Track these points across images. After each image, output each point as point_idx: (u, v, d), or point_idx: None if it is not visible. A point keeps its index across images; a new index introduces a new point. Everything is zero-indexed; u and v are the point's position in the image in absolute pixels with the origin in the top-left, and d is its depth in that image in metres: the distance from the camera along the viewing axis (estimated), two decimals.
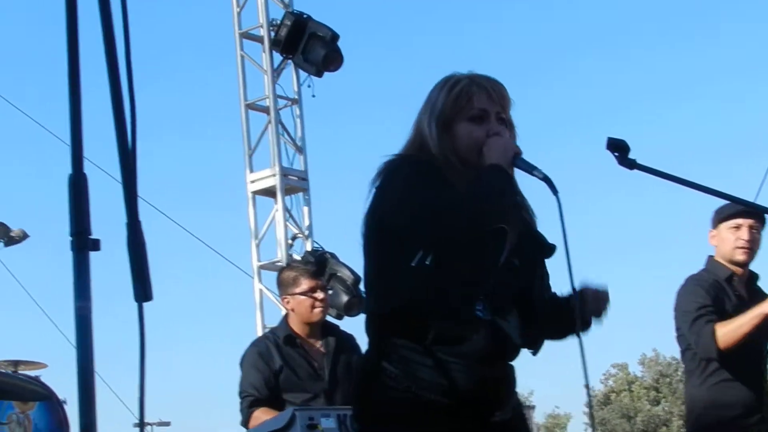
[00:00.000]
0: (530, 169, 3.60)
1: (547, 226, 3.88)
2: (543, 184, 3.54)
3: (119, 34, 2.06)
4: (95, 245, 1.93)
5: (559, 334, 4.07)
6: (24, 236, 9.09)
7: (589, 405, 37.15)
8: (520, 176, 3.64)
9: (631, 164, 3.91)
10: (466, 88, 3.65)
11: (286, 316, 6.52)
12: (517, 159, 3.61)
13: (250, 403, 6.16)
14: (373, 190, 3.85)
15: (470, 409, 3.77)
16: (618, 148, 3.87)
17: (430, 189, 3.64)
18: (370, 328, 3.92)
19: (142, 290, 1.96)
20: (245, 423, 6.16)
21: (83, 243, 1.92)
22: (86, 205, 1.94)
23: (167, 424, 23.16)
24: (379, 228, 3.86)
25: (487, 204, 3.65)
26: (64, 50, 2.02)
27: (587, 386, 4.06)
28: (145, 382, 2.07)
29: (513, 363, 3.98)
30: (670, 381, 48.06)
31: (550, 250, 3.91)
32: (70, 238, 1.93)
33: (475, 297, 3.80)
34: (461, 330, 3.76)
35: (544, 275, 4.07)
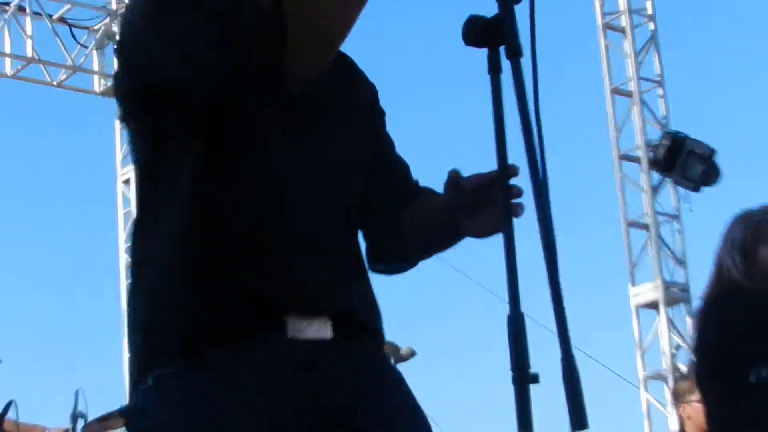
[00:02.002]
0: None
1: None
2: None
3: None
4: (535, 379, 1.91)
5: None
6: (412, 354, 9.16)
7: None
8: None
9: None
10: None
11: (682, 425, 6.39)
12: None
13: None
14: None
15: None
16: None
17: None
18: None
19: (578, 419, 1.85)
20: None
21: (524, 377, 1.91)
22: (524, 342, 1.93)
23: None
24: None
25: None
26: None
27: None
28: None
29: None
30: None
31: None
32: (511, 373, 1.90)
33: None
34: None
35: None
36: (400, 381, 2.36)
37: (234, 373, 2.11)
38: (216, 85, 2.09)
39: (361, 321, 2.30)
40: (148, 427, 2.16)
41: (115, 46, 2.37)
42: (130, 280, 2.35)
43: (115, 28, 13.76)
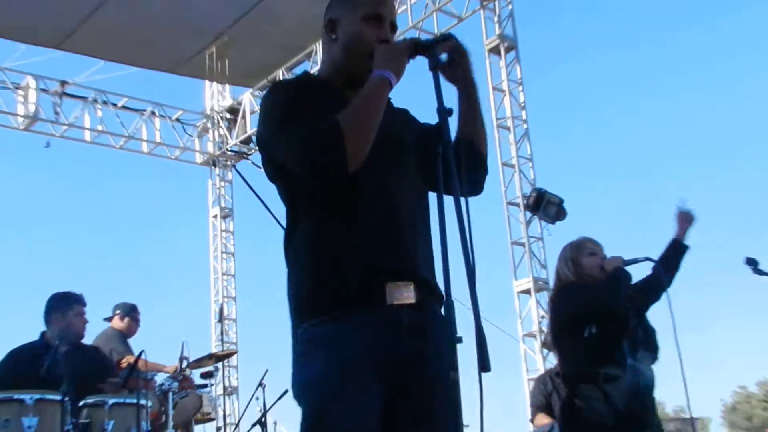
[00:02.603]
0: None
1: None
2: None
3: None
4: (460, 340, 1.89)
5: None
6: None
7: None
8: None
9: (761, 272, 3.76)
10: None
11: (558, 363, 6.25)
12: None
13: (535, 410, 6.05)
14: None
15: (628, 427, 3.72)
16: (752, 262, 3.74)
17: None
18: None
19: (484, 364, 1.82)
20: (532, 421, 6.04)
21: (455, 340, 1.90)
22: (453, 319, 1.90)
23: None
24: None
25: None
26: None
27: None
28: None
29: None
30: None
31: None
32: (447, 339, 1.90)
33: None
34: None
35: None
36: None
37: (354, 321, 2.10)
38: (319, 177, 2.11)
39: (432, 287, 2.22)
40: (302, 356, 2.14)
41: (257, 142, 2.42)
42: (287, 270, 2.29)
43: (209, 125, 13.83)
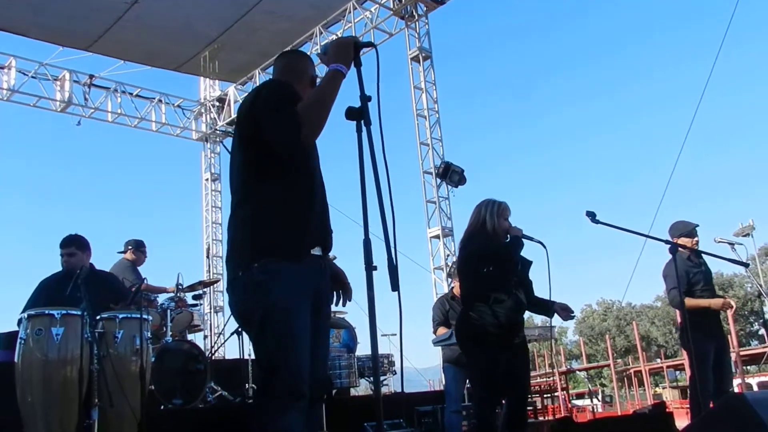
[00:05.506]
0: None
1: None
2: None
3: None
4: (375, 268, 1.87)
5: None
6: (335, 258, 8.57)
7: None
8: None
9: (597, 221, 3.69)
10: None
11: (452, 288, 6.11)
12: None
13: (437, 325, 5.93)
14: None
15: (505, 335, 3.80)
16: (590, 214, 3.68)
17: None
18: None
19: (395, 284, 1.84)
20: (435, 333, 5.89)
21: (370, 267, 1.85)
22: (370, 250, 1.86)
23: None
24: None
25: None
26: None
27: None
28: (402, 342, 2.08)
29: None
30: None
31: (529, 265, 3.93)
32: (365, 266, 1.87)
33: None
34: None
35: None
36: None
37: (297, 264, 2.21)
38: (297, 147, 2.18)
39: (329, 248, 2.41)
40: (258, 284, 2.15)
41: (249, 117, 2.34)
42: (232, 223, 2.34)
43: (202, 110, 13.45)
